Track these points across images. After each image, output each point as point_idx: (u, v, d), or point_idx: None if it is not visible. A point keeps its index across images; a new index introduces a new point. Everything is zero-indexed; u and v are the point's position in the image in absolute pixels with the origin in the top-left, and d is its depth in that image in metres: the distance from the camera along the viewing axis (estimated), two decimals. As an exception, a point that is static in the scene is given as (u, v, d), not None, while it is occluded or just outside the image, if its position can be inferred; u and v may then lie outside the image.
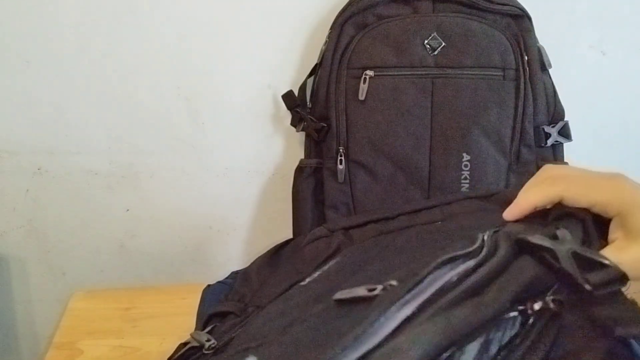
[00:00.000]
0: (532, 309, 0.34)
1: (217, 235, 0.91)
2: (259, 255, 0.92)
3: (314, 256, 0.62)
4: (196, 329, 0.64)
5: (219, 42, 0.79)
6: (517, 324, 0.34)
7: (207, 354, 0.54)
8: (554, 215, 0.43)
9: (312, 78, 0.78)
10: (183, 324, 0.71)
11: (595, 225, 0.42)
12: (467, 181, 0.76)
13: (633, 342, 0.33)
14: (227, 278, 0.75)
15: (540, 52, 0.75)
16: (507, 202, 0.47)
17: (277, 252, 0.73)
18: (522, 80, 0.74)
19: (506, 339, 0.33)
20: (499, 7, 0.73)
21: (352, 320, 0.33)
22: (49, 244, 0.89)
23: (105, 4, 0.75)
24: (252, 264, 0.72)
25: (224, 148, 0.85)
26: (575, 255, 0.36)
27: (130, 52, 0.78)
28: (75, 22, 0.76)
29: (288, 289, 0.57)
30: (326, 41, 0.76)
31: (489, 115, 0.75)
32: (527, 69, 0.75)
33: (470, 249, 0.36)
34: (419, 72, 0.74)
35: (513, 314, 0.34)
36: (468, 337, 0.32)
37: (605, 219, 0.42)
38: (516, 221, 0.45)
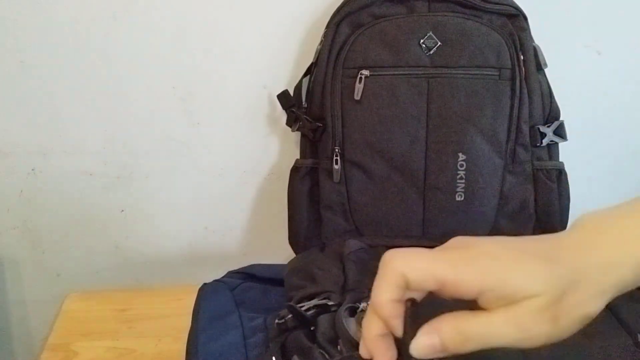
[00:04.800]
0: None
1: (213, 235, 0.91)
2: (256, 256, 0.93)
3: None
4: (192, 329, 0.64)
5: (214, 41, 0.79)
6: None
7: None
8: None
9: (307, 78, 0.78)
10: (179, 325, 0.71)
11: None
12: (463, 181, 0.76)
13: None
14: (224, 277, 0.75)
15: (535, 51, 0.75)
16: None
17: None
18: (517, 79, 0.74)
19: None
20: (495, 6, 0.73)
21: None
22: (44, 245, 0.88)
23: (100, 4, 0.75)
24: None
25: (219, 148, 0.85)
26: None
27: (125, 52, 0.78)
28: (70, 22, 0.75)
29: None
30: (321, 41, 0.76)
31: (484, 114, 0.75)
32: (523, 68, 0.75)
33: None
34: (415, 72, 0.74)
35: None
36: None
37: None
38: None
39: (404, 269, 0.36)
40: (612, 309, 0.59)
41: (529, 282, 0.35)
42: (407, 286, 0.37)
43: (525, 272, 0.35)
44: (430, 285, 0.36)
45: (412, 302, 0.38)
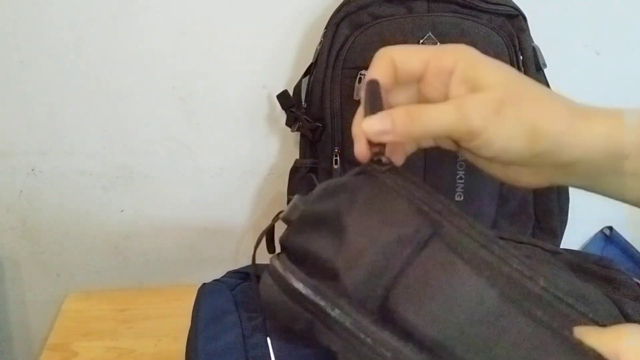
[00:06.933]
0: None
1: (212, 235, 0.91)
2: (254, 256, 0.92)
3: None
4: (191, 329, 0.64)
5: (214, 42, 0.79)
6: None
7: None
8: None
9: (307, 78, 0.78)
10: (178, 325, 0.70)
11: None
12: (462, 181, 0.76)
13: None
14: (223, 277, 0.75)
15: (535, 51, 0.75)
16: None
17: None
18: (517, 80, 0.74)
19: None
20: (494, 6, 0.73)
21: None
22: (43, 245, 0.89)
23: (100, 4, 0.75)
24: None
25: (218, 148, 0.85)
26: None
27: (125, 52, 0.78)
28: (70, 22, 0.75)
29: None
30: (321, 41, 0.76)
31: (484, 115, 0.75)
32: (522, 68, 0.75)
33: None
34: (414, 72, 0.74)
35: None
36: None
37: None
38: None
39: (392, 52, 0.44)
40: (618, 305, 0.58)
41: (493, 73, 0.41)
42: (394, 65, 0.44)
43: (494, 65, 0.42)
44: (415, 64, 0.43)
45: (374, 83, 0.44)
